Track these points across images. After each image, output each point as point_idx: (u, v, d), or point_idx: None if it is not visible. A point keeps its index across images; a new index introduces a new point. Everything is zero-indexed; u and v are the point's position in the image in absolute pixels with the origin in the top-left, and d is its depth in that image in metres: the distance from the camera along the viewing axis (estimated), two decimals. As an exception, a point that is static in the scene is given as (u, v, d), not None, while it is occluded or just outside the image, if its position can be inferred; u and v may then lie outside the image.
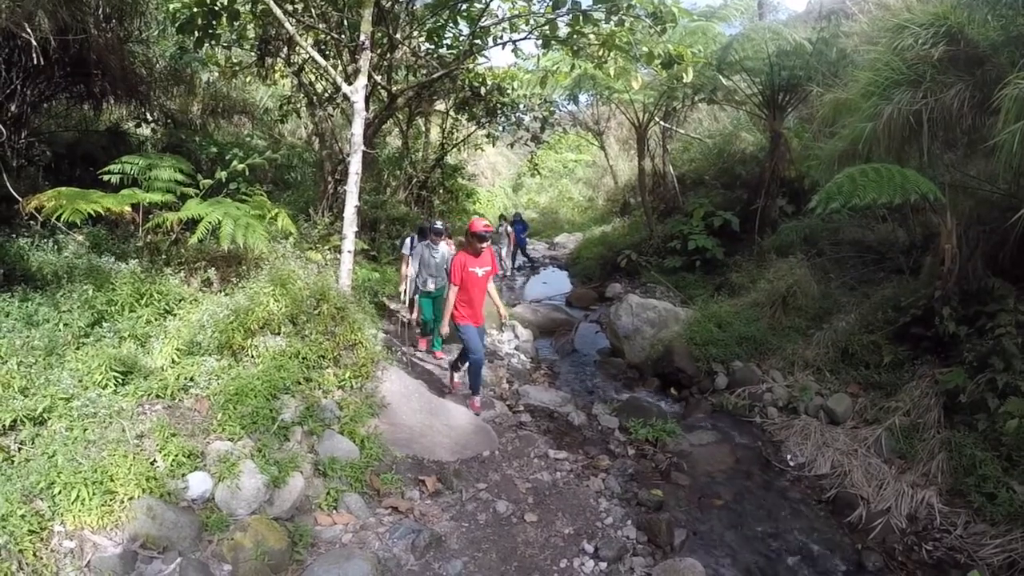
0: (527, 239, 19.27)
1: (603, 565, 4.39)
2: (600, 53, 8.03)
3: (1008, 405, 5.44)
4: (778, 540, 4.99)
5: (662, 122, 15.50)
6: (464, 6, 8.95)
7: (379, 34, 9.26)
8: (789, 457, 6.27)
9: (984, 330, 6.15)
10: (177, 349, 5.23)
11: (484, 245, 6.25)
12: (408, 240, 8.47)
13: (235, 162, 7.43)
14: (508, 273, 16.75)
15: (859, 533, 5.11)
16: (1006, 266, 6.66)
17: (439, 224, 7.85)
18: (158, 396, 4.78)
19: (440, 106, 15.86)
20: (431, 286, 7.74)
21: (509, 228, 17.38)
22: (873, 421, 6.38)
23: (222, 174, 7.16)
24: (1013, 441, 5.27)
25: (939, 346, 6.69)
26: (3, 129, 6.50)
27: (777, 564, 4.72)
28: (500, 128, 16.30)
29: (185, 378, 4.97)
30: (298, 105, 11.78)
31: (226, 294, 6.20)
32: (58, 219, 5.51)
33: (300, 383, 5.31)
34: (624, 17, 7.60)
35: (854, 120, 7.14)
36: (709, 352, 8.24)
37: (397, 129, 15.71)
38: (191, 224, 6.43)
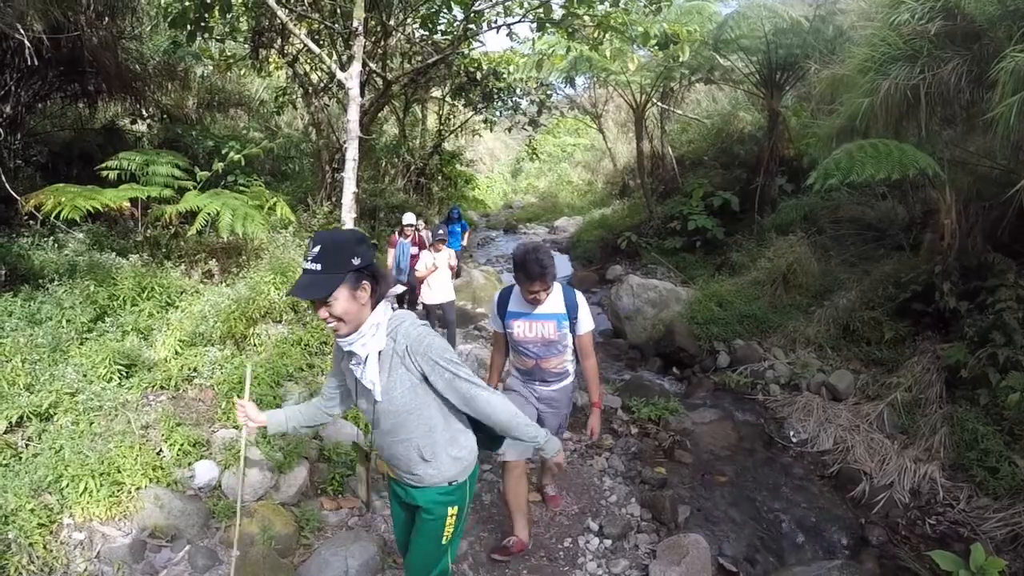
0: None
1: (608, 542, 4.43)
2: (596, 35, 8.00)
3: (1009, 379, 5.44)
4: (781, 515, 5.02)
5: (660, 103, 15.43)
6: (457, -10, 8.92)
7: (372, 21, 9.24)
8: (792, 433, 6.29)
9: (984, 305, 6.14)
10: (180, 340, 5.26)
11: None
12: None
13: (231, 154, 7.43)
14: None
15: (862, 508, 5.14)
16: (1005, 241, 6.65)
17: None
18: (162, 387, 4.82)
19: (436, 92, 15.83)
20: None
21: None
22: (875, 397, 6.39)
23: (219, 166, 7.17)
24: (1015, 415, 5.28)
25: (940, 322, 6.69)
26: (0, 130, 6.50)
27: (781, 539, 4.76)
28: (497, 113, 16.28)
29: (189, 368, 5.01)
30: (294, 96, 11.77)
31: (227, 285, 6.23)
32: (57, 217, 5.53)
33: (303, 369, 5.36)
34: (618, -3, 7.58)
35: (852, 96, 7.11)
36: (710, 331, 8.26)
37: (394, 117, 15.69)
38: (190, 217, 6.45)
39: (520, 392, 3.99)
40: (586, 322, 3.75)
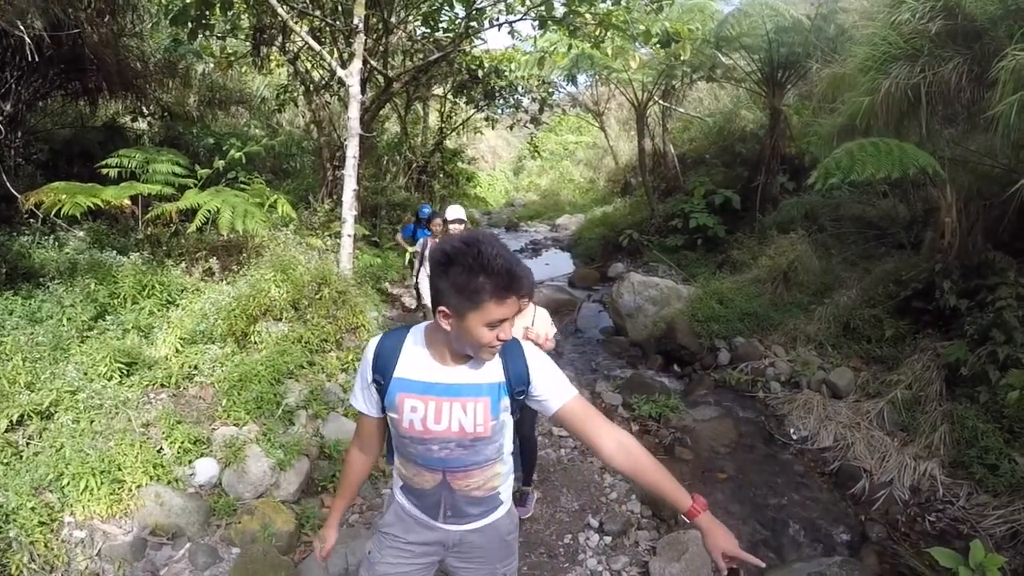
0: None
1: (608, 539, 4.44)
2: (597, 32, 8.00)
3: (1009, 377, 5.43)
4: (782, 512, 5.03)
5: (661, 101, 15.40)
6: (459, -12, 8.92)
7: (374, 18, 9.24)
8: (792, 431, 6.29)
9: (985, 303, 6.13)
10: (180, 338, 5.27)
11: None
12: None
13: (232, 151, 7.44)
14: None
15: (862, 505, 5.15)
16: (1006, 239, 6.65)
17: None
18: (163, 385, 4.82)
19: (438, 90, 15.83)
20: None
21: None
22: (875, 394, 6.39)
23: (220, 163, 7.17)
24: (1014, 413, 5.27)
25: (940, 320, 6.68)
26: (1, 128, 6.51)
27: (781, 535, 4.76)
28: (499, 111, 16.28)
29: (189, 366, 5.01)
30: (295, 93, 11.77)
31: (228, 283, 6.23)
32: (57, 215, 5.53)
33: (304, 367, 5.35)
34: (619, -5, 7.59)
35: (853, 95, 7.10)
36: (711, 328, 8.26)
37: (395, 115, 15.69)
38: (191, 215, 6.45)
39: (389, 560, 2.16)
40: (556, 387, 1.95)
